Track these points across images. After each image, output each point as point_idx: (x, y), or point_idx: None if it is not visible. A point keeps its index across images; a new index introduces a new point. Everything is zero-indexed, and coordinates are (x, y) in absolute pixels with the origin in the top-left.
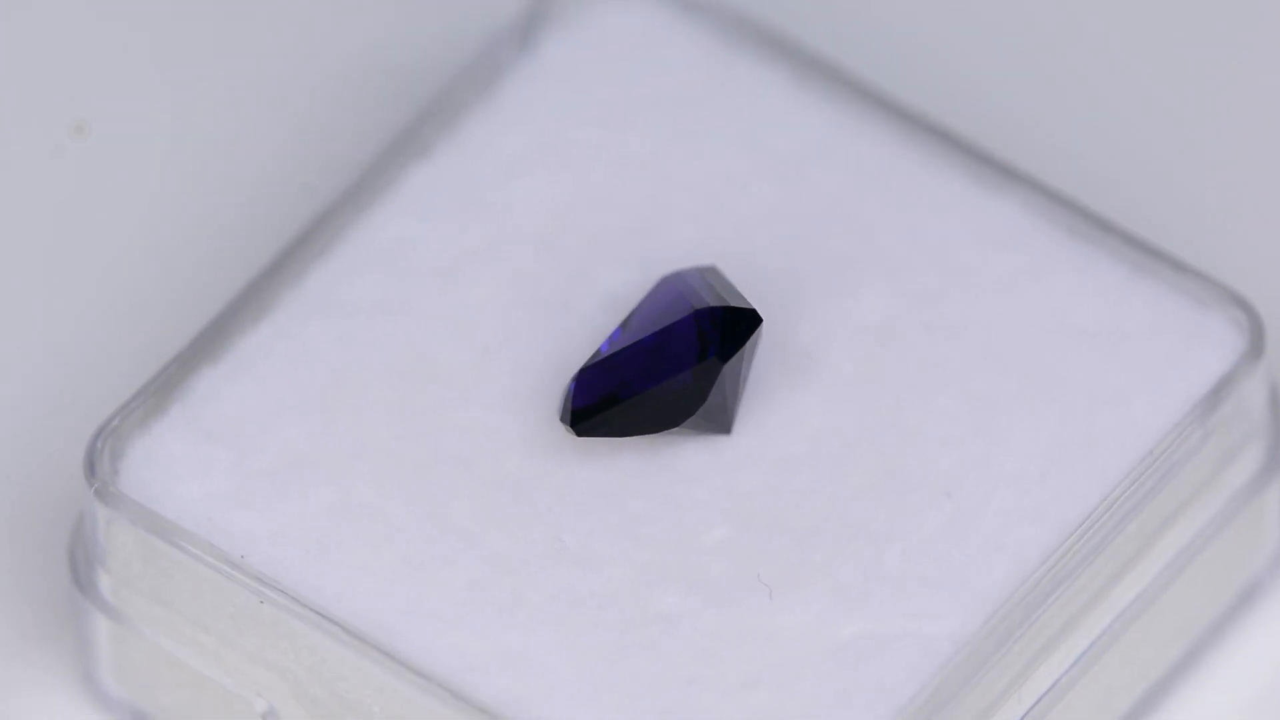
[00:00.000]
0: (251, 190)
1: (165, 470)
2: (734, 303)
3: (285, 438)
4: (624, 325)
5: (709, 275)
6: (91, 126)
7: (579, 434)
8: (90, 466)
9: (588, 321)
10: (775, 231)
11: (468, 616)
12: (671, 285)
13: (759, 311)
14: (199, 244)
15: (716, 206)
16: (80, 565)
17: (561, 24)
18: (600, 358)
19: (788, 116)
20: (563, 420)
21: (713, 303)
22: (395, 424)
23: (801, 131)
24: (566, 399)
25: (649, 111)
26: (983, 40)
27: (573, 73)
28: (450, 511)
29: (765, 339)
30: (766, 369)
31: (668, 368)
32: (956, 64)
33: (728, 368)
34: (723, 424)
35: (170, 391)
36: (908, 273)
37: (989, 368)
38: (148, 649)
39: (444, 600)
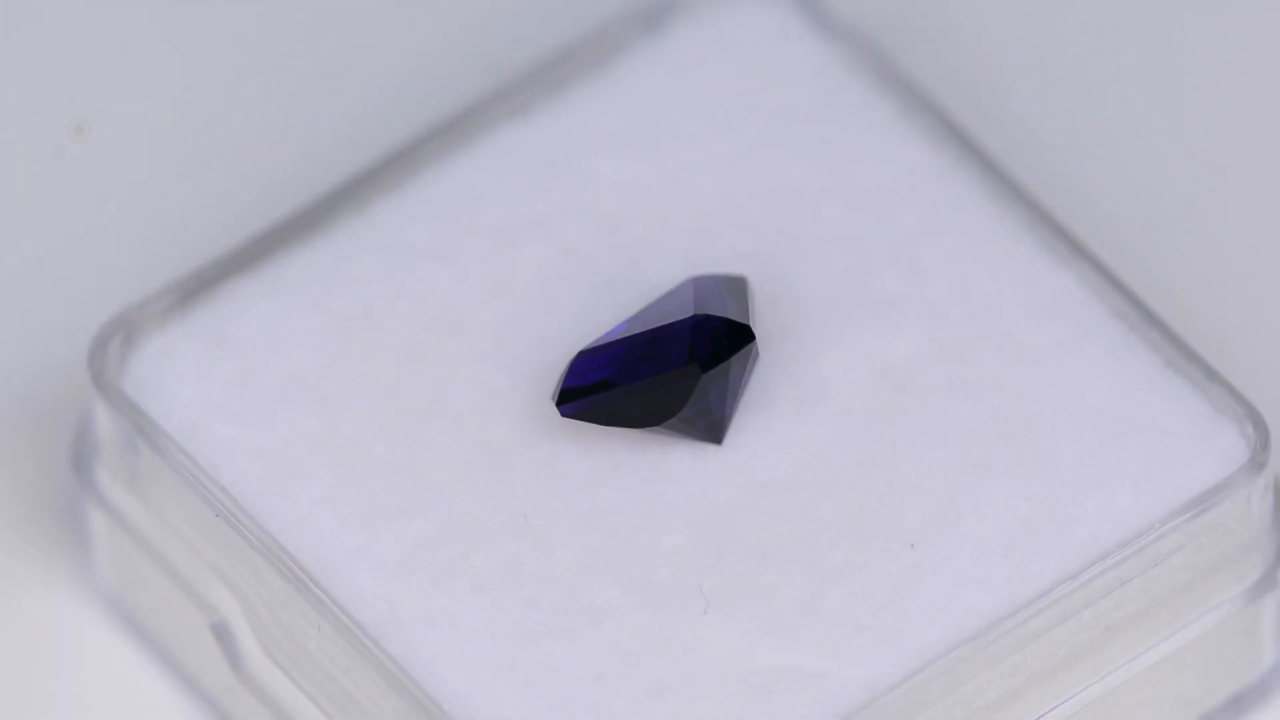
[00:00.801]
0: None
1: (168, 370)
2: (735, 317)
3: (293, 362)
4: (635, 317)
5: (733, 285)
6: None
7: (563, 414)
8: (95, 356)
9: (623, 308)
10: (831, 257)
11: (408, 570)
12: (690, 287)
13: (778, 332)
14: (251, 156)
15: (783, 221)
16: (82, 457)
17: (689, 16)
18: (600, 343)
19: (881, 147)
20: (553, 398)
21: (715, 312)
22: (403, 369)
23: (890, 165)
24: (561, 378)
25: (748, 115)
26: (1084, 114)
27: (687, 64)
28: (426, 464)
29: (784, 362)
30: (778, 390)
31: (653, 366)
32: (1052, 128)
33: (713, 379)
34: (713, 434)
35: (195, 294)
36: (946, 324)
37: (992, 431)
38: (133, 547)
39: (391, 550)
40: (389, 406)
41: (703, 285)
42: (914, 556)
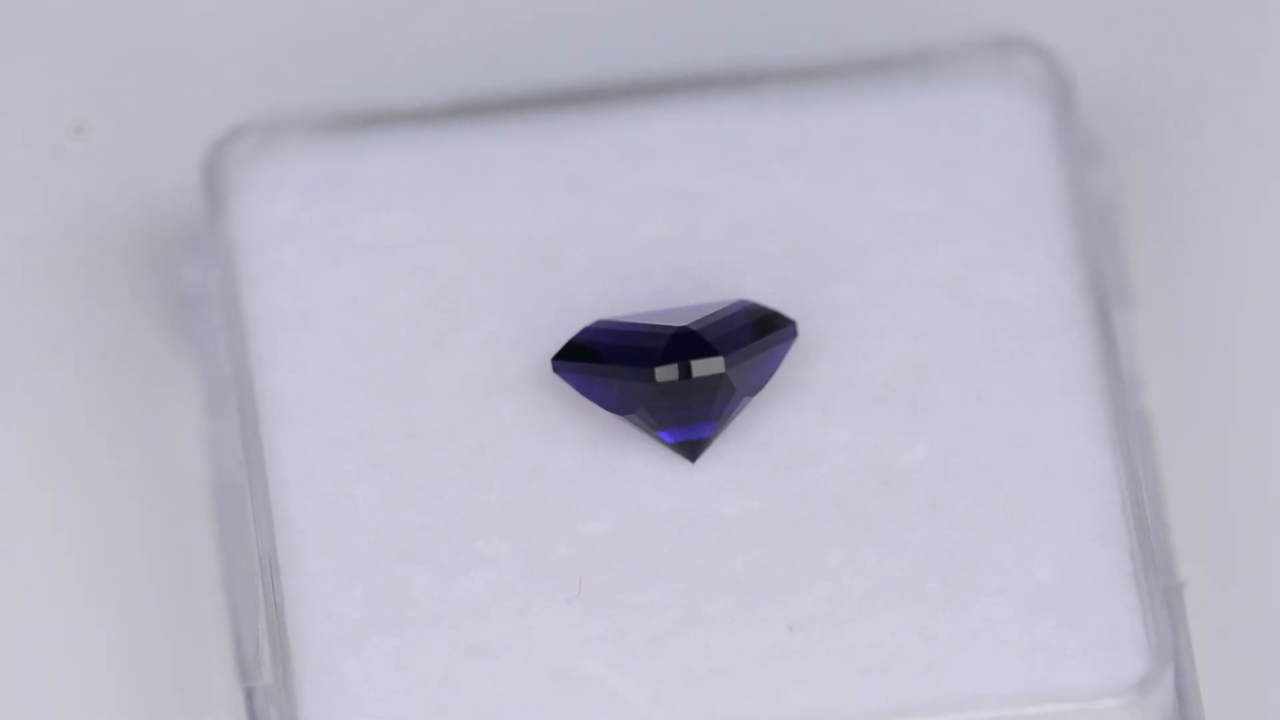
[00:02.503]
0: None
1: (274, 185)
2: (712, 342)
3: (384, 225)
4: (672, 311)
5: (766, 322)
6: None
7: (554, 367)
8: (213, 159)
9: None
10: (892, 337)
11: (325, 489)
12: (723, 305)
13: (797, 385)
14: None
15: (880, 283)
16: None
17: (944, 71)
18: (618, 320)
19: (1030, 258)
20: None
21: (699, 333)
22: (445, 293)
23: (1025, 281)
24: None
25: (927, 177)
26: None
27: (906, 109)
28: (408, 394)
29: (788, 417)
30: (779, 437)
31: (630, 358)
32: None
33: (673, 395)
34: (688, 451)
35: (336, 129)
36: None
37: (980, 556)
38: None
39: (325, 461)
40: (399, 321)
41: (733, 307)
42: (788, 636)
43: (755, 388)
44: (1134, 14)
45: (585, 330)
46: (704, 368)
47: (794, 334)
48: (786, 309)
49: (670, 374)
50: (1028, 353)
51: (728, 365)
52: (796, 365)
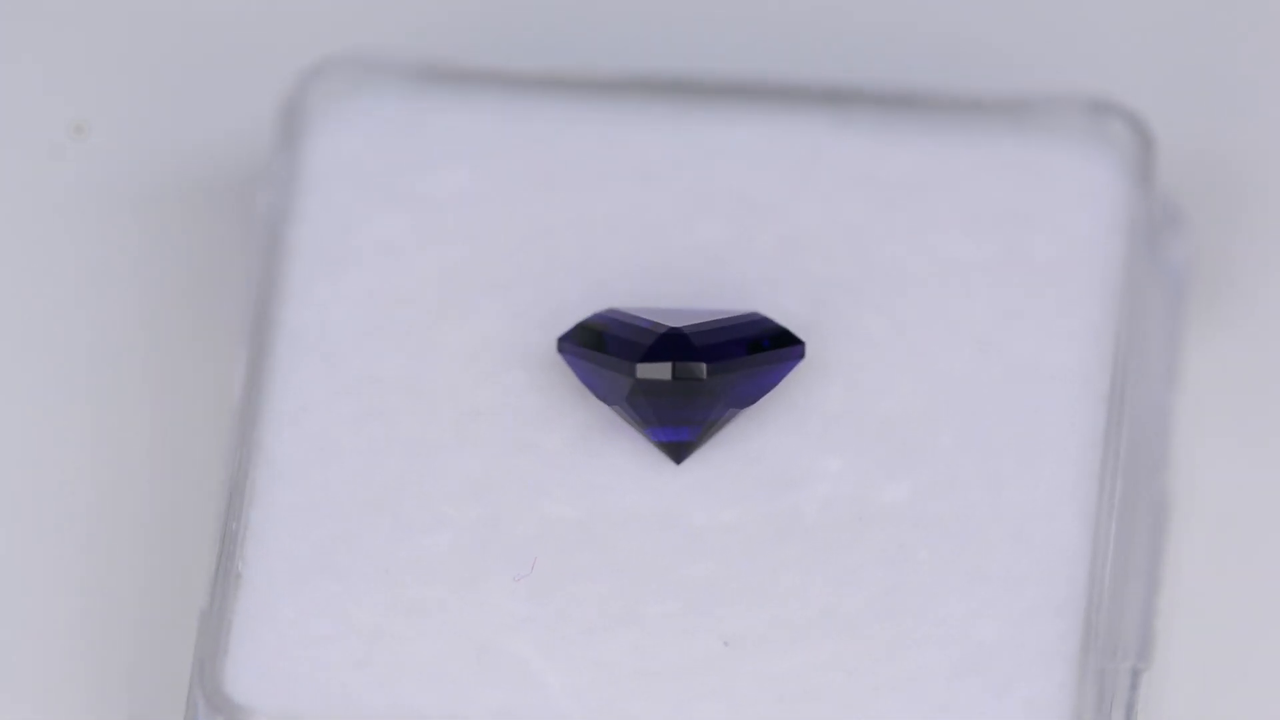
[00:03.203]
0: None
1: (348, 124)
2: (699, 347)
3: (443, 181)
4: (682, 310)
5: (762, 333)
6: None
7: (559, 347)
8: (295, 91)
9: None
10: (924, 386)
11: (315, 429)
12: (733, 315)
13: (795, 408)
14: None
15: (894, 317)
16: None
17: (1030, 122)
18: (626, 311)
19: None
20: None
21: (689, 336)
22: (484, 258)
23: (1057, 355)
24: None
25: (983, 227)
26: None
27: (981, 152)
28: (421, 351)
29: (778, 439)
30: (769, 454)
31: (620, 350)
32: None
33: (653, 394)
34: (674, 452)
35: (421, 79)
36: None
37: (929, 606)
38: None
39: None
40: (424, 282)
41: (746, 322)
42: (720, 651)
43: (746, 401)
44: (1231, 87)
45: (595, 315)
46: (685, 371)
47: (800, 355)
48: (812, 331)
49: (650, 372)
50: (1036, 415)
51: (711, 373)
52: (806, 387)
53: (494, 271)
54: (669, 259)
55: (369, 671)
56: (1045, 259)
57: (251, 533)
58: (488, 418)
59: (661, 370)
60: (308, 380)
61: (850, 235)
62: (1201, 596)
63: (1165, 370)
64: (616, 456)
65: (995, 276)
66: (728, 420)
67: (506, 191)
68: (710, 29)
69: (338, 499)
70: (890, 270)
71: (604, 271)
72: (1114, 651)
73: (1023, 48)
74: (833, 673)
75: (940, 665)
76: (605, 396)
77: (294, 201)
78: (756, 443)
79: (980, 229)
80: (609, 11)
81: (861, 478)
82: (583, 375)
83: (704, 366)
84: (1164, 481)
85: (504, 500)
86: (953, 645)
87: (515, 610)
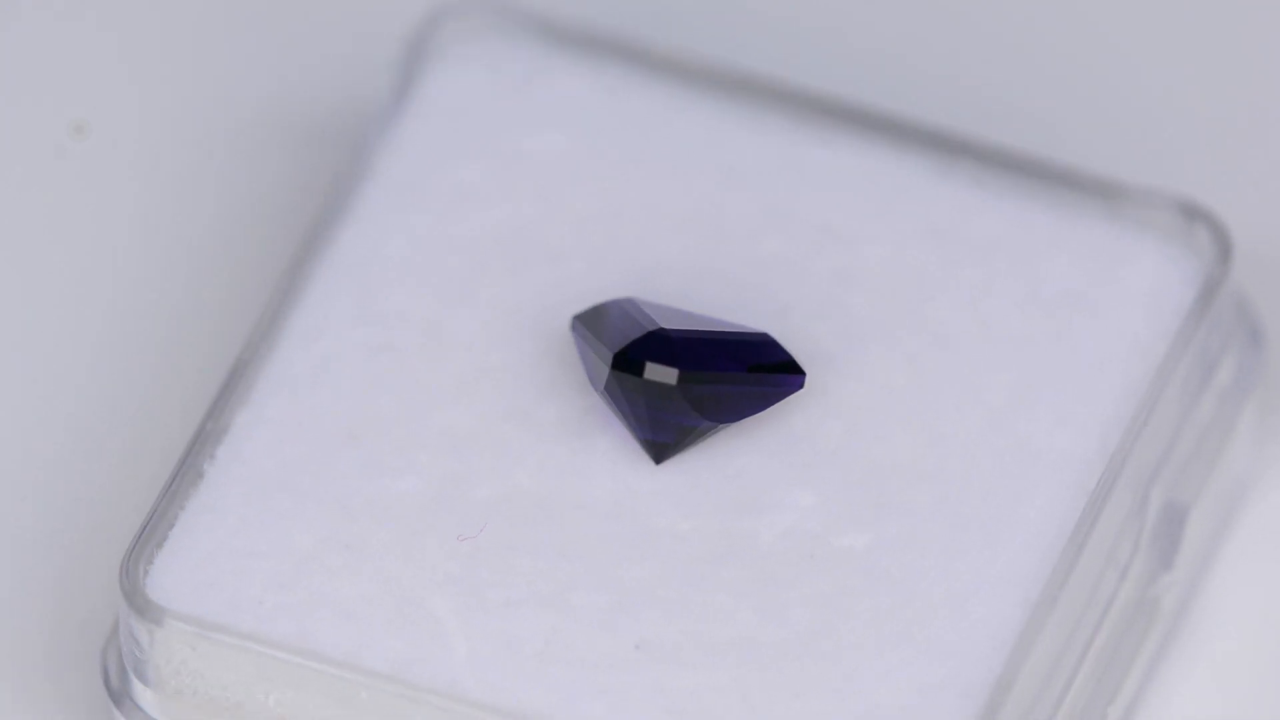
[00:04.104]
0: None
1: (461, 70)
2: (679, 353)
3: (534, 143)
4: (698, 315)
5: (762, 357)
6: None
7: (571, 324)
8: (417, 34)
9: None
10: (921, 446)
11: (321, 356)
12: (744, 331)
13: (784, 428)
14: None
15: (903, 351)
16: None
17: (1107, 207)
18: (638, 302)
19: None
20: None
21: (674, 340)
22: (546, 226)
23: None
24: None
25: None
26: None
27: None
28: (449, 303)
29: (762, 453)
30: (748, 475)
31: (610, 340)
32: None
33: (627, 389)
34: (655, 452)
35: (543, 36)
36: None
37: (841, 660)
38: None
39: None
40: (426, 279)
41: (748, 342)
42: (629, 653)
43: (728, 417)
44: None
45: (611, 301)
46: (656, 373)
47: (797, 387)
48: (833, 368)
49: (624, 365)
50: (1017, 496)
51: (684, 380)
52: (807, 417)
53: (551, 240)
54: (723, 265)
55: (286, 596)
56: (1090, 347)
57: (229, 436)
58: (492, 378)
59: (634, 367)
60: (337, 302)
61: (905, 281)
62: None
63: (1196, 481)
64: (600, 444)
65: (1030, 353)
66: (711, 432)
67: (591, 165)
68: (838, 50)
69: (321, 422)
70: (929, 324)
71: (654, 263)
72: None
73: (1119, 135)
74: (729, 698)
75: (834, 718)
76: (592, 381)
77: (390, 134)
78: (740, 461)
79: (1035, 303)
80: (749, 7)
81: (828, 518)
82: (582, 355)
83: (676, 372)
84: (1160, 586)
85: (477, 462)
86: (854, 700)
87: (448, 569)
